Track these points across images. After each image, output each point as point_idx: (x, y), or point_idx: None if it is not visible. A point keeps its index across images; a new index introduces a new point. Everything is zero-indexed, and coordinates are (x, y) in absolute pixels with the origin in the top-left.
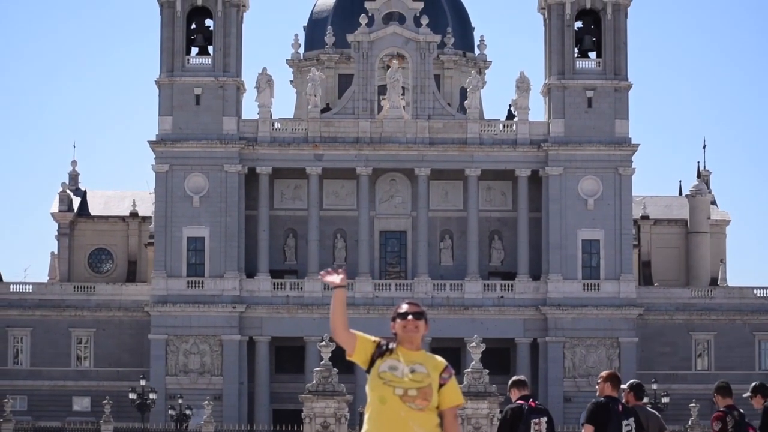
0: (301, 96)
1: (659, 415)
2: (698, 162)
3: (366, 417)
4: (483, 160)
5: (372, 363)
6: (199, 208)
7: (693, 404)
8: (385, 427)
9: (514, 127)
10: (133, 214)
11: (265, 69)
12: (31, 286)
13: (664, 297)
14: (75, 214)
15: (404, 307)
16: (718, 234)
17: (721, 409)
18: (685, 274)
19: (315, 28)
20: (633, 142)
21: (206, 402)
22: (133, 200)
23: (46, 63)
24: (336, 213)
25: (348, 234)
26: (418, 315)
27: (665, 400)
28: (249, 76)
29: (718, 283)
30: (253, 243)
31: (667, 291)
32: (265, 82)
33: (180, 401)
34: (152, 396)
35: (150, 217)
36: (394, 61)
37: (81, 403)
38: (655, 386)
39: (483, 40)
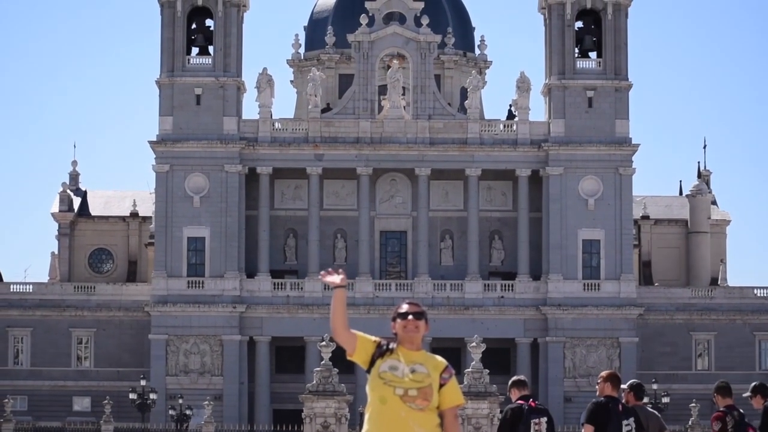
0: (302, 96)
1: (659, 415)
2: (698, 162)
3: (366, 417)
4: (483, 160)
5: (372, 363)
6: (199, 208)
7: (693, 404)
8: (386, 427)
9: (514, 127)
10: (134, 214)
11: (265, 69)
12: (31, 286)
13: (665, 297)
14: (75, 214)
15: (404, 307)
16: (719, 234)
17: (721, 409)
18: (686, 274)
19: (315, 28)
20: (633, 142)
21: (206, 402)
22: (134, 200)
23: (47, 63)
24: (336, 213)
25: (348, 234)
26: (419, 315)
27: (665, 400)
28: (249, 76)
29: (719, 283)
30: (254, 243)
31: (667, 291)
32: (265, 82)
33: (180, 401)
34: (152, 396)
35: (150, 217)
36: (395, 61)
37: (81, 403)
38: (655, 386)
39: (483, 40)
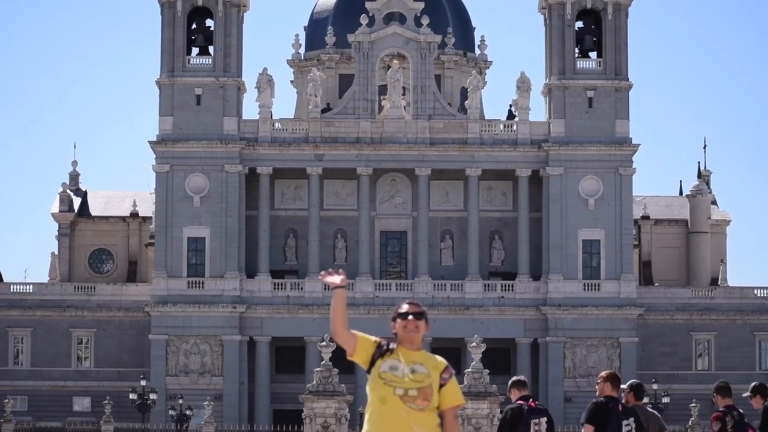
0: (302, 96)
1: (659, 416)
2: (699, 162)
3: (366, 417)
4: (483, 160)
5: (372, 363)
6: (199, 209)
7: (693, 404)
8: (386, 428)
9: (514, 127)
10: (134, 215)
11: (265, 69)
12: (31, 287)
13: (665, 297)
14: (75, 214)
15: (405, 307)
16: (719, 234)
17: (721, 409)
18: (686, 274)
19: (315, 28)
20: (633, 142)
21: (206, 402)
22: (134, 200)
23: (47, 63)
24: (336, 213)
25: (348, 234)
26: (419, 315)
27: (666, 400)
28: (249, 77)
29: (719, 283)
30: (254, 243)
31: (667, 291)
32: (265, 82)
33: (180, 401)
34: (153, 396)
35: (150, 217)
36: (395, 61)
37: (81, 404)
38: (655, 386)
39: (484, 40)
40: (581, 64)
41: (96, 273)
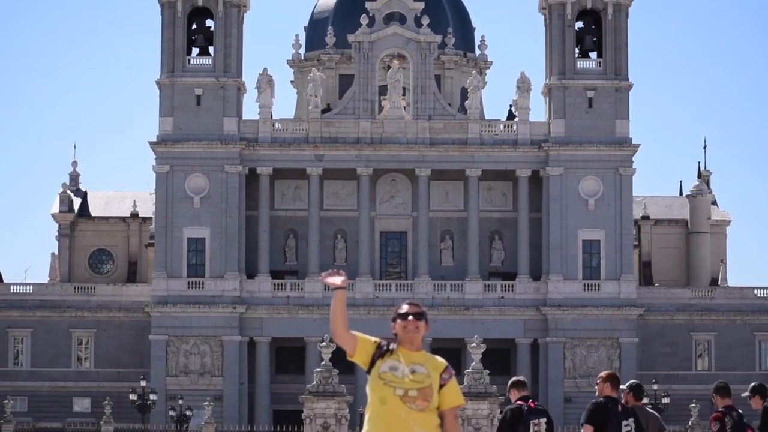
0: (302, 96)
1: (659, 416)
2: (699, 162)
3: (366, 417)
4: (483, 160)
5: (372, 364)
6: (199, 209)
7: (693, 405)
8: (386, 428)
9: (514, 128)
10: (134, 215)
11: (265, 69)
12: (31, 287)
13: (665, 297)
14: (75, 214)
15: (404, 308)
16: (719, 234)
17: (720, 409)
18: (686, 275)
19: (316, 28)
20: (633, 142)
21: (206, 403)
22: (134, 201)
23: (47, 63)
24: (336, 213)
25: (348, 234)
26: (419, 315)
27: (666, 400)
28: (250, 77)
29: (719, 283)
30: (254, 244)
31: (667, 291)
32: (265, 83)
33: (180, 402)
34: (153, 397)
35: (150, 217)
36: (395, 62)
37: (81, 404)
38: (655, 386)
39: (484, 41)
40: (581, 64)
41: (96, 273)
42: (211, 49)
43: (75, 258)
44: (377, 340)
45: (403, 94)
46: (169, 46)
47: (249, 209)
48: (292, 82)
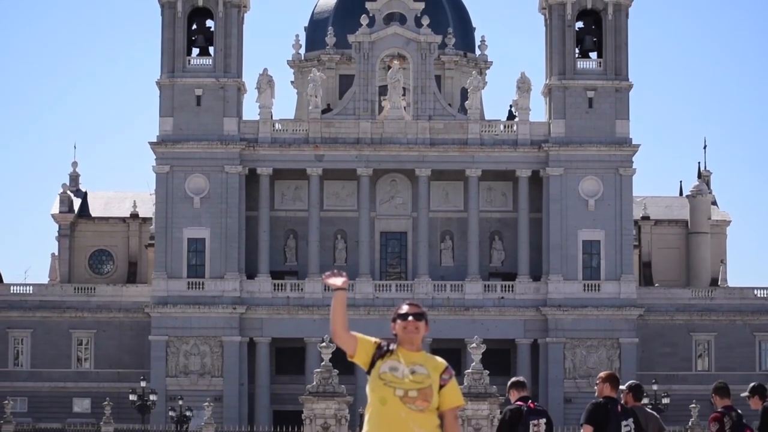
0: (302, 97)
1: (658, 416)
2: (699, 162)
3: (366, 418)
4: (484, 160)
5: (372, 364)
6: (199, 209)
7: (693, 405)
8: (386, 428)
9: (514, 128)
10: (134, 215)
11: (265, 70)
12: (31, 288)
13: (665, 297)
14: (75, 215)
15: (405, 308)
16: (719, 234)
17: (719, 409)
18: (686, 275)
19: (316, 28)
20: (633, 142)
21: (206, 403)
22: (134, 201)
23: (47, 64)
24: (336, 214)
25: (348, 235)
26: (419, 316)
27: (666, 400)
28: (250, 77)
29: (719, 283)
30: (254, 244)
31: (667, 291)
32: (265, 83)
33: (180, 402)
34: (152, 397)
35: (150, 218)
36: (395, 62)
37: (81, 405)
38: (655, 387)
39: (484, 41)
40: (581, 64)
41: (96, 274)
42: (211, 49)
43: (75, 258)
44: (377, 340)
45: (403, 95)
46: (169, 47)
47: (249, 209)
48: (292, 82)
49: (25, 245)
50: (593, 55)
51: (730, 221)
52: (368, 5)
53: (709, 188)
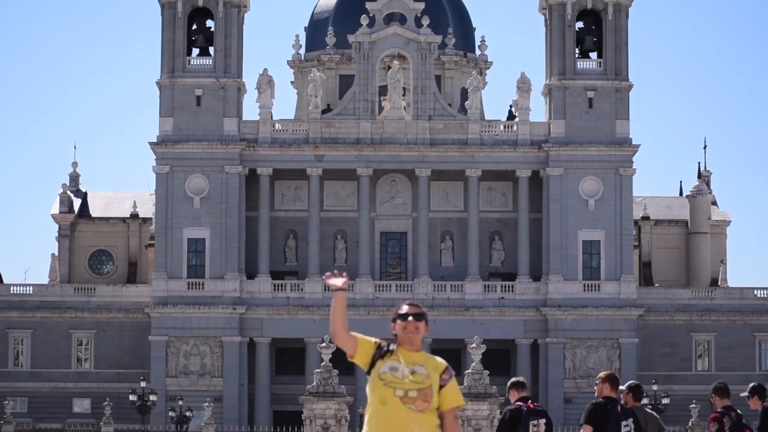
0: (302, 97)
1: (658, 417)
2: (699, 162)
3: (366, 418)
4: (484, 160)
5: (372, 364)
6: (199, 210)
7: (693, 405)
8: (386, 429)
9: (514, 128)
10: (134, 216)
11: (266, 70)
12: (31, 288)
13: (665, 298)
14: (75, 215)
15: (404, 309)
16: (719, 234)
17: (719, 410)
18: (686, 275)
19: (316, 28)
20: (634, 142)
21: (206, 404)
22: (134, 201)
23: (47, 64)
24: (336, 214)
25: (348, 235)
26: (419, 316)
27: (666, 401)
28: (250, 77)
29: (719, 283)
30: (254, 244)
31: (667, 292)
32: (265, 83)
33: (180, 403)
34: (152, 398)
35: (150, 218)
36: (395, 62)
37: (81, 405)
38: (655, 387)
39: (484, 41)
40: (581, 64)
41: (96, 274)
42: (211, 49)
43: (75, 259)
44: (377, 340)
45: (404, 95)
46: (170, 47)
47: (249, 210)
48: (292, 82)
49: (25, 245)
50: (593, 55)
51: (730, 221)
52: (368, 5)
53: (709, 188)
